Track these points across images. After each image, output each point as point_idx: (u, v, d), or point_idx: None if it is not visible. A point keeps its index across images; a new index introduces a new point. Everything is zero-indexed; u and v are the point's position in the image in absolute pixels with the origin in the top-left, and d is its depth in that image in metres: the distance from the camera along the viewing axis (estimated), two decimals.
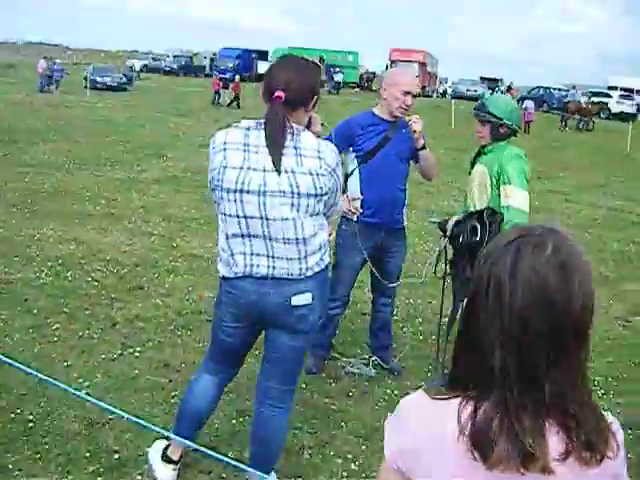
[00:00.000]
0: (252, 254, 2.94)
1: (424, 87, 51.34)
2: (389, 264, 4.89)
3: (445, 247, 4.65)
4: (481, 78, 56.46)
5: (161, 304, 6.13)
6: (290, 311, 3.00)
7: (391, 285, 4.97)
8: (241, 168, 2.85)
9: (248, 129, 2.90)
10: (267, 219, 2.86)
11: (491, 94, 51.52)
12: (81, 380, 4.52)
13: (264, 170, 2.83)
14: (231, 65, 55.22)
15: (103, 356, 4.95)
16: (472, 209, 4.59)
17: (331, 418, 4.40)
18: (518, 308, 1.26)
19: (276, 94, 2.85)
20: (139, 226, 8.96)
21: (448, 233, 4.54)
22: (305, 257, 2.95)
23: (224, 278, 3.06)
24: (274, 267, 2.94)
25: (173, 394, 4.46)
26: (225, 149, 2.88)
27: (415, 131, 4.59)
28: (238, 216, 2.89)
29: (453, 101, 35.46)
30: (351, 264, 4.77)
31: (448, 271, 4.75)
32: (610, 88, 49.18)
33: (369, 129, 4.66)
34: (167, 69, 59.21)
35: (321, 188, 2.89)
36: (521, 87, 60.58)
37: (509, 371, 1.26)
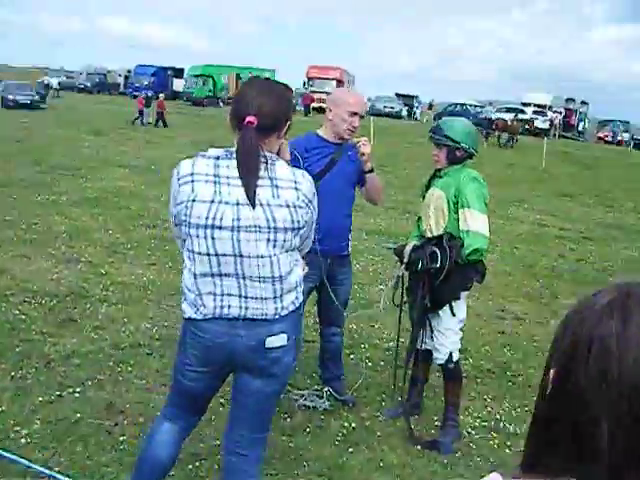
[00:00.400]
0: (223, 294, 2.70)
1: None
2: (337, 291, 4.69)
3: (402, 274, 4.50)
4: (397, 95, 57.08)
5: (96, 338, 5.78)
6: (264, 354, 2.77)
7: (349, 314, 4.79)
8: (212, 202, 2.61)
9: (217, 158, 2.67)
10: (241, 256, 2.64)
11: (408, 110, 52.61)
12: (18, 428, 4.15)
13: (237, 203, 2.61)
14: (146, 83, 54.53)
15: (40, 399, 4.57)
16: (428, 234, 4.47)
17: (291, 457, 4.18)
18: (630, 374, 1.07)
19: (248, 119, 2.63)
20: (64, 252, 8.51)
21: (405, 259, 4.39)
22: (281, 296, 2.74)
23: (189, 319, 2.80)
24: (247, 308, 2.71)
25: (121, 439, 4.14)
26: (193, 181, 2.64)
27: (363, 154, 4.43)
28: (209, 254, 2.65)
29: (372, 118, 35.68)
30: None
31: (405, 299, 4.60)
32: (524, 104, 50.67)
33: (314, 152, 4.46)
34: (81, 87, 57.88)
35: (298, 221, 2.70)
36: (437, 104, 61.78)
37: (616, 449, 1.07)
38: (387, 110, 50.46)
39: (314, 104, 47.35)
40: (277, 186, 2.66)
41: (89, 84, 58.59)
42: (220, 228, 2.61)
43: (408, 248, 4.39)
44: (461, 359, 4.62)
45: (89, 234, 9.61)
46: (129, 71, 60.87)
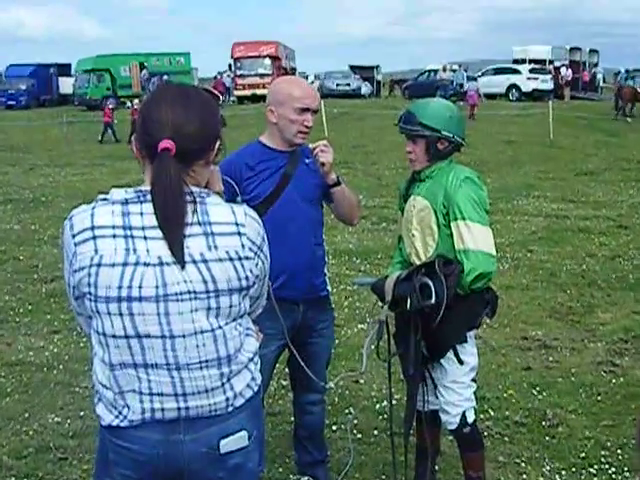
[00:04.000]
0: (152, 394, 2.55)
1: None
2: (316, 346, 4.58)
3: (387, 318, 4.38)
4: (351, 68, 56.52)
5: None
6: (219, 462, 2.62)
7: (327, 386, 4.69)
8: (125, 264, 2.44)
9: (126, 203, 2.50)
10: (172, 337, 2.49)
11: (369, 88, 52.18)
12: None
13: (161, 263, 2.45)
14: (24, 87, 53.72)
15: None
16: (415, 259, 4.41)
17: None
18: None
19: (163, 145, 2.45)
20: None
21: (388, 298, 4.28)
22: (229, 381, 2.61)
23: (110, 427, 2.63)
24: (187, 407, 2.57)
25: None
26: (95, 237, 2.46)
27: (323, 164, 4.30)
28: (127, 336, 2.49)
29: (322, 102, 35.53)
30: (264, 356, 4.35)
31: (393, 350, 4.55)
32: (516, 62, 50.59)
33: (260, 167, 4.33)
34: None
35: (246, 278, 2.56)
36: (400, 72, 61.69)
37: None
38: (341, 89, 50.15)
39: (246, 92, 47.62)
40: (213, 233, 2.51)
41: None
42: (140, 300, 2.45)
43: (390, 282, 4.28)
44: (479, 413, 4.54)
45: None
46: None
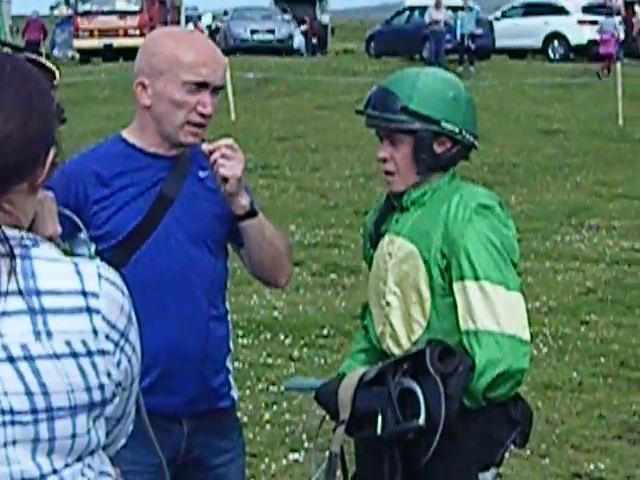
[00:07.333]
0: None
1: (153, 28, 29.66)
2: None
3: (342, 448, 3.12)
4: (277, 0, 41.04)
5: None
6: None
7: None
8: None
9: None
10: None
11: (306, 33, 36.88)
12: None
13: None
14: None
15: None
16: (391, 346, 3.19)
17: None
18: None
19: None
20: None
21: (344, 414, 3.08)
22: None
23: None
24: None
25: None
26: None
27: (226, 179, 2.92)
28: None
29: (226, 60, 21.41)
30: None
31: None
32: None
33: (121, 182, 3.02)
34: None
35: (101, 386, 1.78)
36: (360, 8, 55.86)
37: None
38: (260, 39, 36.30)
39: (94, 41, 35.56)
40: (44, 310, 1.75)
41: None
42: None
43: (349, 387, 3.10)
44: None
45: None
46: None
